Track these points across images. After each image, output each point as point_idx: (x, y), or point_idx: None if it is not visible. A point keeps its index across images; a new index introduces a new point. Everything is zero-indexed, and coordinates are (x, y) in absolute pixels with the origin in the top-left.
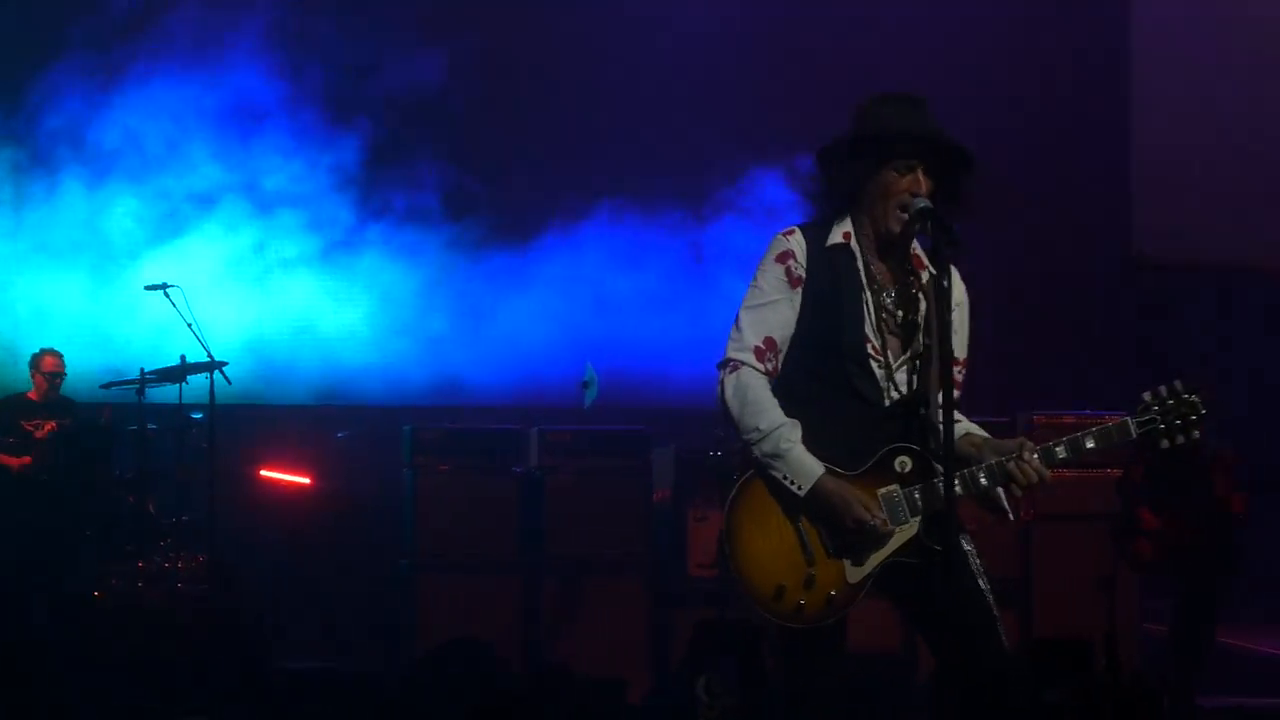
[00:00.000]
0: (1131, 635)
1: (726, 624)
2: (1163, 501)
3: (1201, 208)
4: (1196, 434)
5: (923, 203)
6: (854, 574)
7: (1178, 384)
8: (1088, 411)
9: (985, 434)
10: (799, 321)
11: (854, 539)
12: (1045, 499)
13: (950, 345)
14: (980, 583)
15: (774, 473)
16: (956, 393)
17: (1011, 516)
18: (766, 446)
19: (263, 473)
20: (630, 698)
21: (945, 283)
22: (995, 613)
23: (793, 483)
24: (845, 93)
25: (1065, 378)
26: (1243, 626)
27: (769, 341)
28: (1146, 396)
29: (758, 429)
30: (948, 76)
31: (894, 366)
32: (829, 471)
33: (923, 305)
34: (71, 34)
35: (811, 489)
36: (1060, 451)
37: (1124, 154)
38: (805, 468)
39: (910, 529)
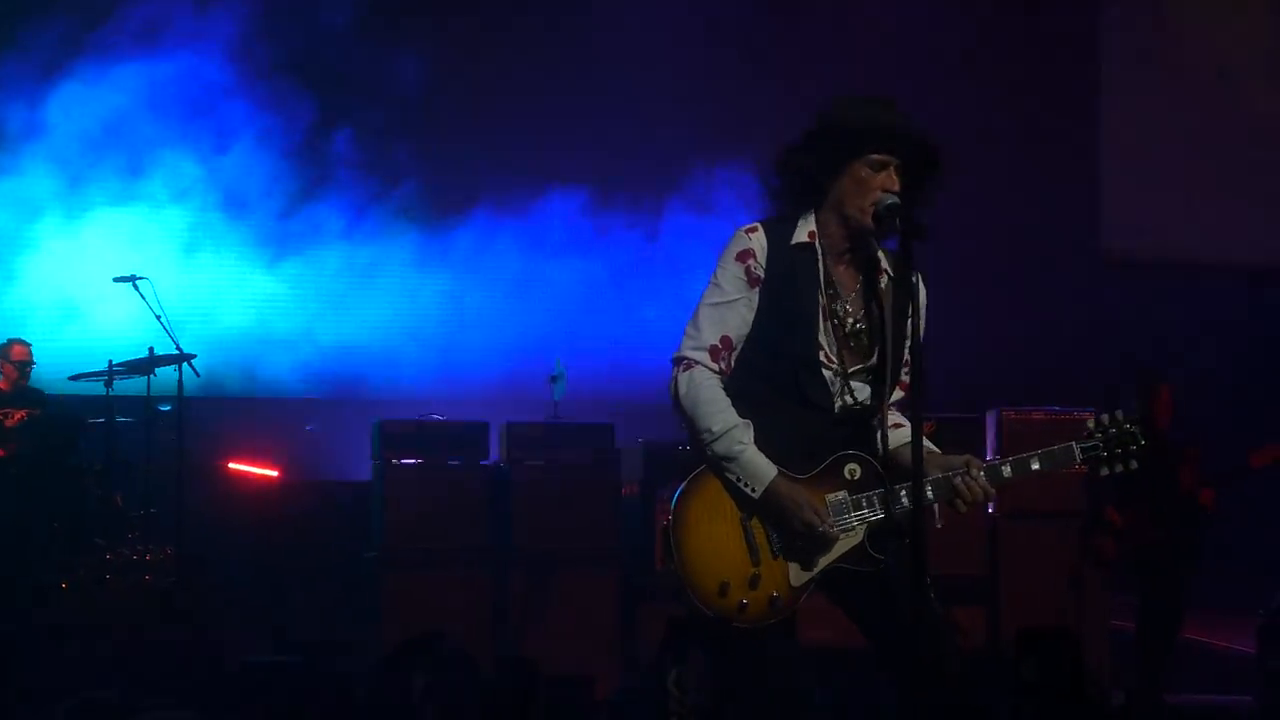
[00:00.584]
0: (1098, 632)
1: (699, 621)
2: (1128, 499)
3: (1171, 206)
4: (1134, 464)
5: (891, 199)
6: (798, 577)
7: (1119, 413)
8: (1056, 408)
9: (934, 447)
10: (754, 323)
11: (801, 542)
12: (1012, 496)
13: (919, 350)
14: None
15: (728, 474)
16: (901, 393)
17: (939, 524)
18: (719, 448)
19: (231, 465)
20: (598, 693)
21: (915, 280)
22: (941, 616)
23: (746, 485)
24: (810, 89)
25: (1035, 375)
26: (1209, 623)
27: (725, 340)
28: (1090, 424)
29: (710, 430)
30: (917, 74)
31: (848, 374)
32: (781, 473)
33: (881, 312)
34: (46, 25)
35: (765, 491)
36: (1006, 471)
37: (1094, 151)
38: (759, 470)
39: (855, 537)
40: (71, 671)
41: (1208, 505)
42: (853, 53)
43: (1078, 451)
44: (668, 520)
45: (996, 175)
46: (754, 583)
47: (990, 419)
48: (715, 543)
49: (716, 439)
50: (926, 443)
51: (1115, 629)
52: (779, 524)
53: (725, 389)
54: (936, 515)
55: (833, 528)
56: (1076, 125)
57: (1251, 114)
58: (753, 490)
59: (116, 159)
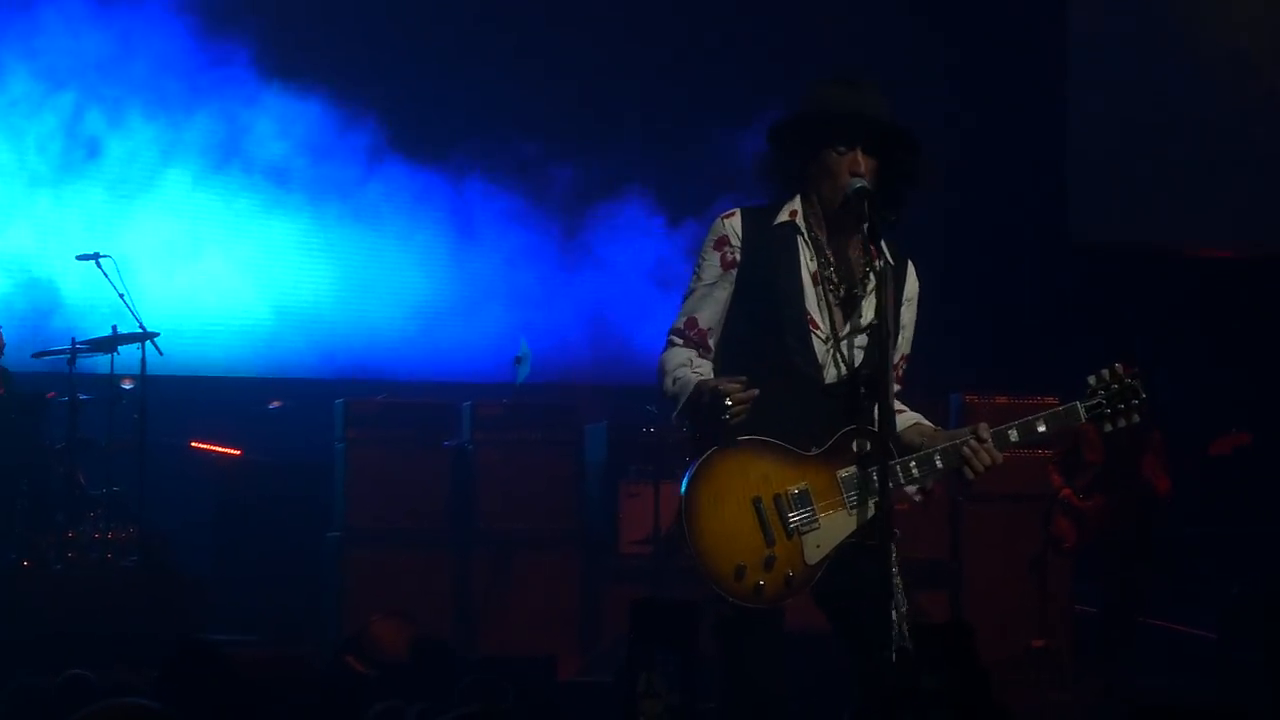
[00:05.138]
0: (1061, 616)
1: (664, 604)
2: (1089, 484)
3: (1138, 191)
4: (1138, 417)
5: (859, 184)
6: (812, 555)
7: (1119, 367)
8: (1019, 393)
9: (933, 425)
10: (737, 302)
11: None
12: (976, 480)
13: (892, 329)
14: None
15: (687, 409)
16: (897, 387)
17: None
18: (672, 390)
19: (194, 444)
20: (561, 674)
21: (901, 272)
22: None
23: (681, 411)
24: (775, 76)
25: (998, 359)
26: (1171, 608)
27: (691, 322)
28: (1092, 380)
29: (664, 383)
30: (882, 56)
31: (839, 339)
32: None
33: (871, 283)
34: None
35: (687, 400)
36: (1013, 435)
37: (1061, 135)
38: (686, 386)
39: (867, 511)
40: (32, 650)
41: (1165, 492)
42: (818, 39)
43: (1082, 410)
44: (680, 508)
45: (963, 158)
46: (769, 564)
47: (953, 404)
48: (728, 526)
49: (670, 386)
50: (926, 421)
51: (1078, 613)
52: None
53: (718, 373)
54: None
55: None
56: (1045, 109)
57: (1223, 100)
58: (681, 413)
59: (74, 131)
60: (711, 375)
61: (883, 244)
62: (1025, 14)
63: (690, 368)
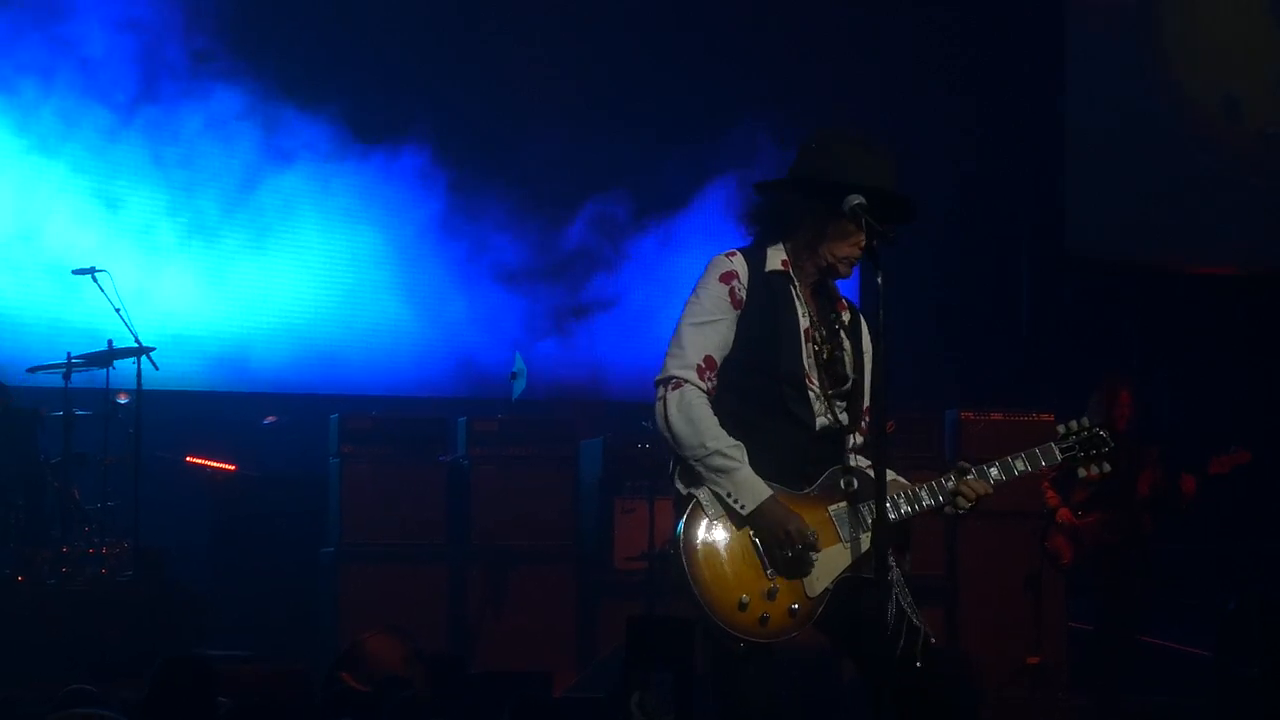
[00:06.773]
0: (1056, 633)
1: (660, 620)
2: (1085, 501)
3: (1136, 208)
4: (1108, 466)
5: (857, 199)
6: (813, 586)
7: (1085, 420)
8: (1015, 410)
9: (904, 481)
10: (736, 343)
11: (793, 555)
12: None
13: (863, 378)
14: (905, 602)
15: (718, 489)
16: (859, 438)
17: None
18: (714, 463)
19: (189, 459)
20: (556, 689)
21: (857, 325)
22: (921, 633)
23: (736, 500)
24: (773, 88)
25: (993, 376)
26: (1167, 625)
27: (709, 360)
28: (1061, 429)
29: (704, 446)
30: (880, 72)
31: (829, 398)
32: (779, 488)
33: (847, 342)
34: None
35: (756, 508)
36: (994, 472)
37: (1060, 153)
38: (753, 487)
39: (862, 544)
40: (26, 664)
41: (1189, 494)
42: (818, 54)
43: (1058, 452)
44: (675, 549)
45: (959, 174)
46: (771, 595)
47: (948, 420)
48: (727, 562)
49: (710, 454)
50: (898, 478)
51: (1073, 630)
52: (768, 540)
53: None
54: None
55: (817, 544)
56: (1042, 124)
57: (1219, 123)
58: (742, 506)
59: (73, 140)
60: (746, 460)
61: (842, 296)
62: (1023, 31)
63: (741, 449)
